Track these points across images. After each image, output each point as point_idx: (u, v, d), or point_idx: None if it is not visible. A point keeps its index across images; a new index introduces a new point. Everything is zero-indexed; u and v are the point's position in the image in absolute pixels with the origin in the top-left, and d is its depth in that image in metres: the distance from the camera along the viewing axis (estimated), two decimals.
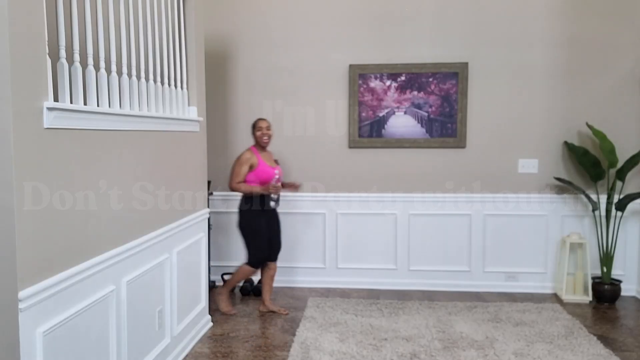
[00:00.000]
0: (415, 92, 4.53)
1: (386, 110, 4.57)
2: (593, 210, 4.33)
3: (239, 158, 3.91)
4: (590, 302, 4.30)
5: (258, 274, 4.12)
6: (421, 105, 4.53)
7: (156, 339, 2.90)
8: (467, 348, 3.35)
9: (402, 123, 4.56)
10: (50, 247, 1.94)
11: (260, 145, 3.93)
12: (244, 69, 4.67)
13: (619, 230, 4.37)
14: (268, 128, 3.93)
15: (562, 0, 4.40)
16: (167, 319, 3.04)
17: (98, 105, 2.32)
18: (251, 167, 3.84)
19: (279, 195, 3.92)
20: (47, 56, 1.92)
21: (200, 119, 3.58)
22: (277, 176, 3.87)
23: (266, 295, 4.07)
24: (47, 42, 1.91)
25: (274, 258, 4.06)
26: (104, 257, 2.30)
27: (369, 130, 4.59)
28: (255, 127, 3.94)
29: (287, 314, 3.97)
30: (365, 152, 4.61)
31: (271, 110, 4.66)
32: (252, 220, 3.89)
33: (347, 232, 4.67)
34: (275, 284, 4.67)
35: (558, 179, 4.41)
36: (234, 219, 4.77)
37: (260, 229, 3.89)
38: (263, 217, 3.90)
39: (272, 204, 3.89)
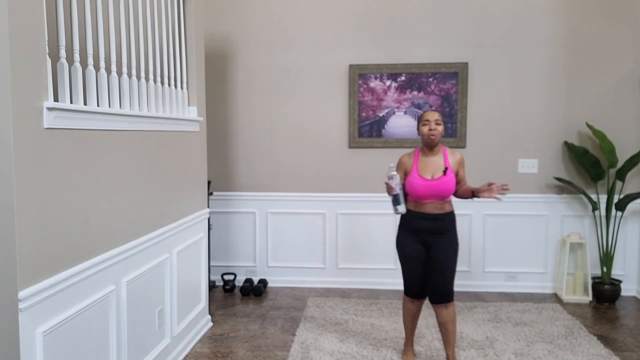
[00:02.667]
0: (415, 92, 4.53)
1: (386, 110, 4.57)
2: (593, 210, 4.33)
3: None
4: (590, 302, 4.30)
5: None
6: (421, 105, 4.53)
7: (156, 339, 2.90)
8: (467, 348, 3.35)
9: (402, 123, 4.56)
10: (50, 247, 1.94)
11: (426, 145, 2.98)
12: (244, 69, 4.67)
13: (619, 230, 4.37)
14: (438, 122, 2.92)
15: (562, 0, 4.40)
16: (167, 319, 3.04)
17: (98, 105, 2.32)
18: (406, 174, 3.01)
19: (396, 198, 2.89)
20: (47, 56, 1.92)
21: (200, 119, 3.58)
22: (392, 172, 2.88)
23: (446, 348, 3.03)
24: (47, 42, 1.91)
25: (435, 299, 2.97)
26: (104, 257, 2.30)
27: (369, 130, 4.59)
28: (420, 120, 2.98)
29: None
30: (365, 152, 4.61)
31: (271, 110, 4.67)
32: (401, 239, 3.05)
33: (347, 232, 4.67)
34: (275, 284, 4.70)
35: (558, 179, 4.41)
36: (234, 219, 4.81)
37: (409, 249, 3.01)
38: (415, 239, 2.98)
39: (394, 210, 2.94)
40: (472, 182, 4.51)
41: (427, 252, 2.97)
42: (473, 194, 2.94)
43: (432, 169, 2.94)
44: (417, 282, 3.03)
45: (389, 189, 2.88)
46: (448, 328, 2.99)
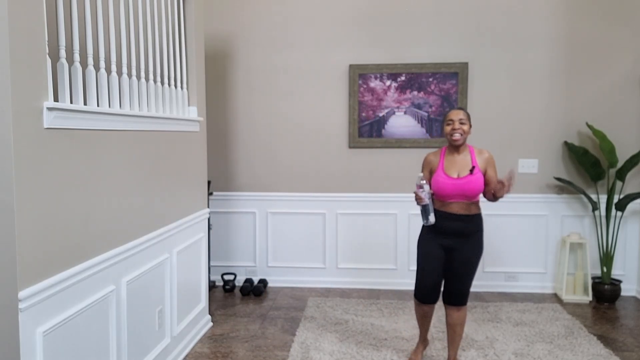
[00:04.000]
0: (415, 92, 4.53)
1: (386, 110, 4.57)
2: (593, 210, 4.33)
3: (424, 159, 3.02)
4: (590, 302, 4.30)
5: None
6: (421, 105, 4.53)
7: (156, 339, 2.90)
8: (467, 348, 3.35)
9: (402, 123, 4.56)
10: (50, 247, 1.94)
11: (451, 144, 2.88)
12: (243, 69, 4.67)
13: (619, 230, 4.37)
14: (462, 121, 2.80)
15: (562, 0, 4.40)
16: (167, 319, 3.04)
17: (98, 105, 2.32)
18: (431, 173, 2.92)
19: (425, 209, 2.80)
20: (47, 56, 1.92)
21: (200, 119, 3.58)
22: (422, 181, 2.78)
23: (449, 350, 3.03)
24: (47, 42, 1.91)
25: (449, 300, 2.95)
26: (104, 257, 2.30)
27: (369, 130, 4.59)
28: (444, 120, 2.89)
29: None
30: (365, 152, 4.61)
31: (271, 110, 4.67)
32: (421, 239, 2.97)
33: (347, 232, 4.67)
34: (275, 284, 4.70)
35: (558, 179, 4.41)
36: (234, 219, 4.81)
37: (427, 252, 2.92)
38: (437, 241, 2.89)
39: (423, 220, 2.84)
40: None
41: (450, 254, 2.87)
42: (494, 195, 2.84)
43: (459, 167, 2.83)
44: (428, 287, 2.93)
45: (418, 199, 2.77)
46: (456, 330, 2.96)
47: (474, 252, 2.88)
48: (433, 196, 2.87)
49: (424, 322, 3.10)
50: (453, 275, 2.89)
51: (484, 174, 2.85)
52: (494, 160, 2.91)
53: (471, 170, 2.80)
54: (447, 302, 2.96)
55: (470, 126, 2.86)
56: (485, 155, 2.89)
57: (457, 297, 2.91)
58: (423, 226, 2.94)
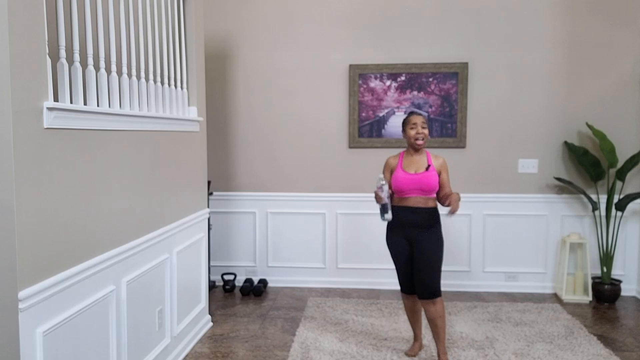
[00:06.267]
0: (415, 92, 4.53)
1: (386, 110, 4.57)
2: (593, 210, 4.33)
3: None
4: (590, 302, 4.30)
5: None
6: (421, 105, 4.53)
7: (156, 339, 2.90)
8: (467, 348, 3.35)
9: None
10: (50, 247, 1.94)
11: (412, 147, 3.07)
12: (244, 69, 4.67)
13: (619, 230, 4.37)
14: (424, 126, 3.02)
15: (562, 0, 4.40)
16: (167, 319, 3.04)
17: (98, 105, 2.32)
18: (392, 173, 3.11)
19: (384, 207, 2.99)
20: (47, 56, 1.92)
21: (200, 119, 3.58)
22: (382, 182, 2.96)
23: (437, 344, 3.08)
24: (47, 42, 1.91)
25: (420, 294, 3.03)
26: (104, 257, 2.30)
27: (369, 130, 4.59)
28: (406, 123, 3.06)
29: None
30: (365, 152, 4.61)
31: (271, 110, 4.67)
32: (389, 236, 3.15)
33: (347, 232, 4.68)
34: (275, 284, 4.71)
35: (558, 179, 4.41)
36: (234, 219, 4.81)
37: (395, 246, 3.11)
38: (400, 234, 3.07)
39: (382, 217, 3.05)
40: (472, 182, 4.53)
41: (412, 247, 3.05)
42: (444, 200, 3.01)
43: (416, 166, 3.05)
44: (406, 276, 3.13)
45: (378, 199, 2.98)
46: (437, 324, 3.03)
47: (434, 243, 3.02)
48: (392, 195, 3.09)
49: (414, 318, 3.25)
50: (418, 268, 3.02)
51: (439, 176, 3.06)
52: (447, 166, 3.11)
53: (427, 168, 3.02)
54: (420, 297, 3.05)
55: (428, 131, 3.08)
56: (440, 160, 3.10)
57: (428, 290, 3.00)
58: (388, 224, 3.14)
